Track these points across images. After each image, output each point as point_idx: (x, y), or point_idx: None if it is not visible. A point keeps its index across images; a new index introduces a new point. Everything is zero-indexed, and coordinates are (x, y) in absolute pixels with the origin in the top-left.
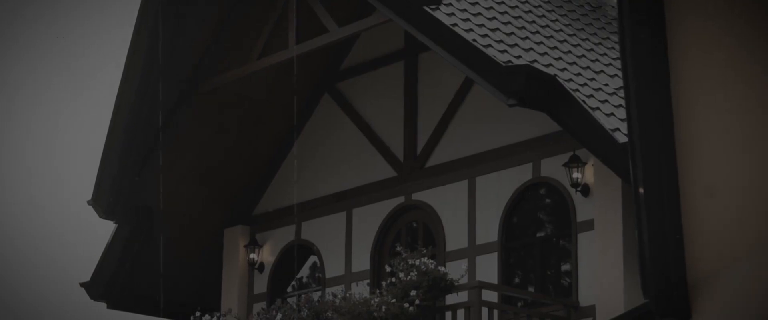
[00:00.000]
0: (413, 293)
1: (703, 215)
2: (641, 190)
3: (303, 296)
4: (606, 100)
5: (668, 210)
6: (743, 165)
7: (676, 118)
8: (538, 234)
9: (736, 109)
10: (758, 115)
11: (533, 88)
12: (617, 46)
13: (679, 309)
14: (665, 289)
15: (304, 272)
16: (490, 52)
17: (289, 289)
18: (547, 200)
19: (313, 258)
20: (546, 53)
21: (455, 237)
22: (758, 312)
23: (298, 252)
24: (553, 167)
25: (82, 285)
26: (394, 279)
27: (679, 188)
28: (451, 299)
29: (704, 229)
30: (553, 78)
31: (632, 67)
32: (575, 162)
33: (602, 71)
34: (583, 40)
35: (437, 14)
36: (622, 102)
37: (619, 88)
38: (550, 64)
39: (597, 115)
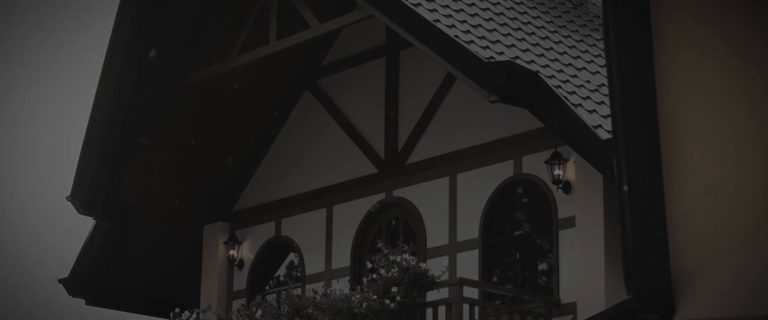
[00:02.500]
0: (394, 289)
1: (688, 212)
2: (625, 188)
3: (283, 292)
4: (588, 97)
5: (652, 206)
6: (729, 161)
7: (661, 114)
8: (519, 231)
9: (722, 105)
10: (744, 111)
11: (515, 85)
12: (599, 43)
13: (663, 306)
14: (649, 285)
15: (284, 269)
16: (472, 48)
17: (267, 287)
18: (529, 197)
19: (293, 255)
20: (528, 50)
21: (436, 234)
22: (743, 308)
23: (278, 248)
24: (534, 164)
25: (60, 281)
26: (375, 276)
27: (663, 185)
28: (432, 296)
29: (688, 226)
30: (535, 74)
31: (617, 63)
32: (557, 159)
33: (584, 68)
34: (565, 36)
35: (419, 10)
36: (604, 99)
37: (601, 85)
38: (532, 61)
39: (579, 111)
